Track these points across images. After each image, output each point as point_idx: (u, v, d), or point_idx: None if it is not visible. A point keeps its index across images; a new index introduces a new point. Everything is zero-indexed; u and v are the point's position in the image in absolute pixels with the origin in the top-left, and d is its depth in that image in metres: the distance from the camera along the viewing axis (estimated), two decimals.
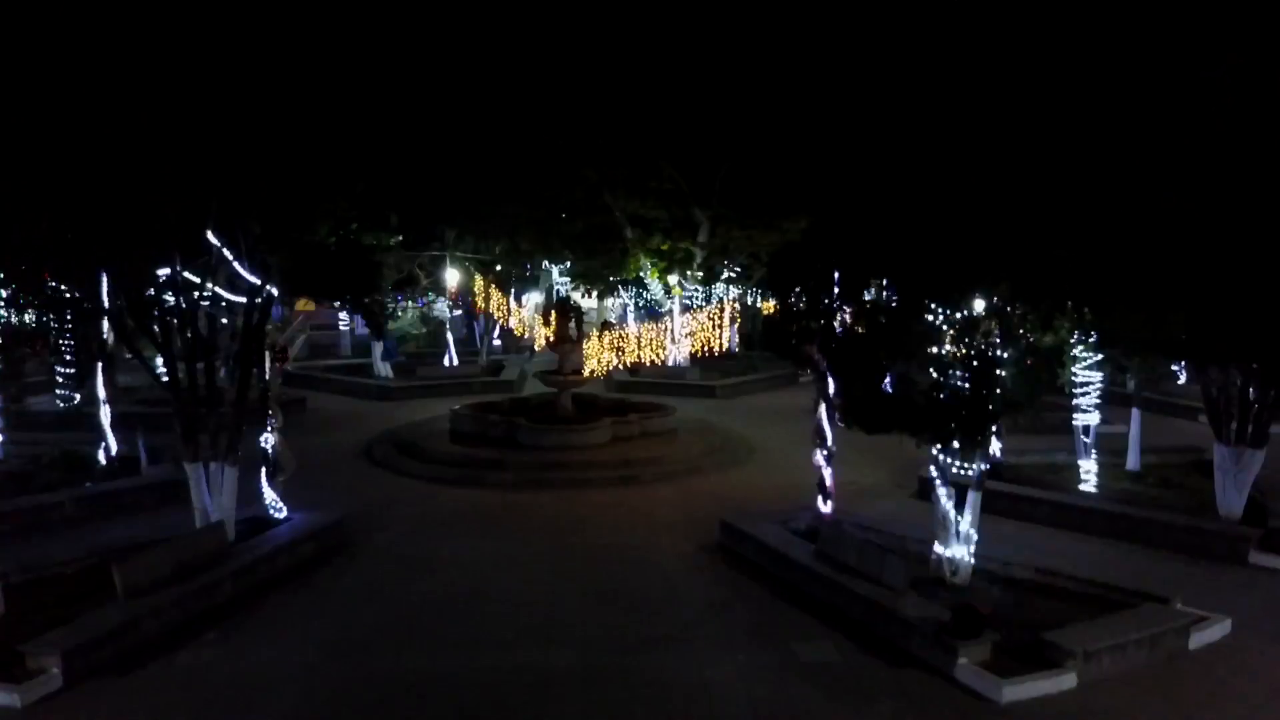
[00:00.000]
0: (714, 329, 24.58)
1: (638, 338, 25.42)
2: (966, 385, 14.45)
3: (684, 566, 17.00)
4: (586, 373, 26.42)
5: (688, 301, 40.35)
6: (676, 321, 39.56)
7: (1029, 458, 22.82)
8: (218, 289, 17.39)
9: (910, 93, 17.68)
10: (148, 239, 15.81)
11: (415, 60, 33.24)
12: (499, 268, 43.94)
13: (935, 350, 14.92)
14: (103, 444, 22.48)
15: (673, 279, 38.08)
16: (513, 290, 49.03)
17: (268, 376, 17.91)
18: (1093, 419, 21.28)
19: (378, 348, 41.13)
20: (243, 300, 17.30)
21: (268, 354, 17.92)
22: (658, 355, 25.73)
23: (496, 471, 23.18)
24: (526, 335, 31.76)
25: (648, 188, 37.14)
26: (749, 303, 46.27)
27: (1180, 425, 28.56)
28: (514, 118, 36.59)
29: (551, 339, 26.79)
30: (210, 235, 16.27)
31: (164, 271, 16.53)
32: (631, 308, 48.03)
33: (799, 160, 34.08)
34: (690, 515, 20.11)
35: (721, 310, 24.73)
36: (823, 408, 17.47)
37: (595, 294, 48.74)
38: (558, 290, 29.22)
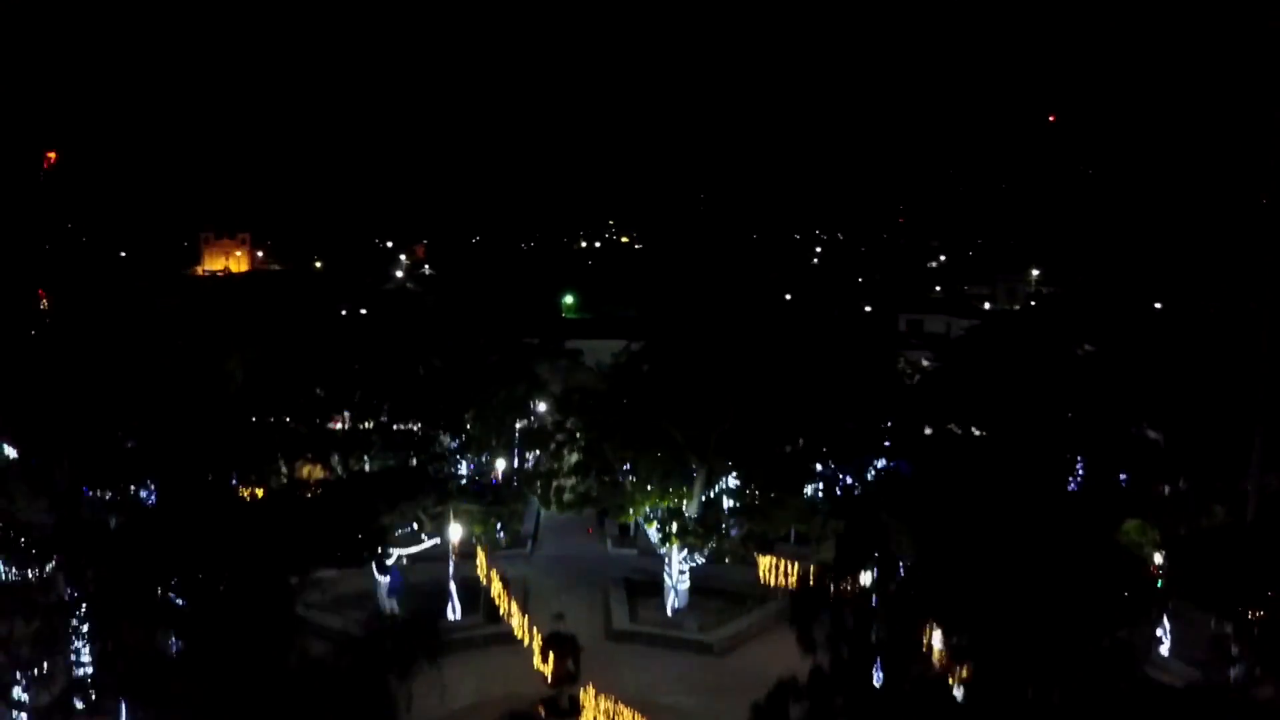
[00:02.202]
0: None
1: None
2: None
3: None
4: None
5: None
6: (674, 564, 39.72)
7: None
8: None
9: None
10: None
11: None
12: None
13: None
14: None
15: (671, 528, 38.44)
16: None
17: None
18: None
19: (383, 583, 41.23)
20: None
21: None
22: None
23: None
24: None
25: (644, 440, 37.69)
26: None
27: None
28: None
29: (550, 679, 27.12)
30: None
31: None
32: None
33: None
34: None
35: None
36: None
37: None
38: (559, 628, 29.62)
